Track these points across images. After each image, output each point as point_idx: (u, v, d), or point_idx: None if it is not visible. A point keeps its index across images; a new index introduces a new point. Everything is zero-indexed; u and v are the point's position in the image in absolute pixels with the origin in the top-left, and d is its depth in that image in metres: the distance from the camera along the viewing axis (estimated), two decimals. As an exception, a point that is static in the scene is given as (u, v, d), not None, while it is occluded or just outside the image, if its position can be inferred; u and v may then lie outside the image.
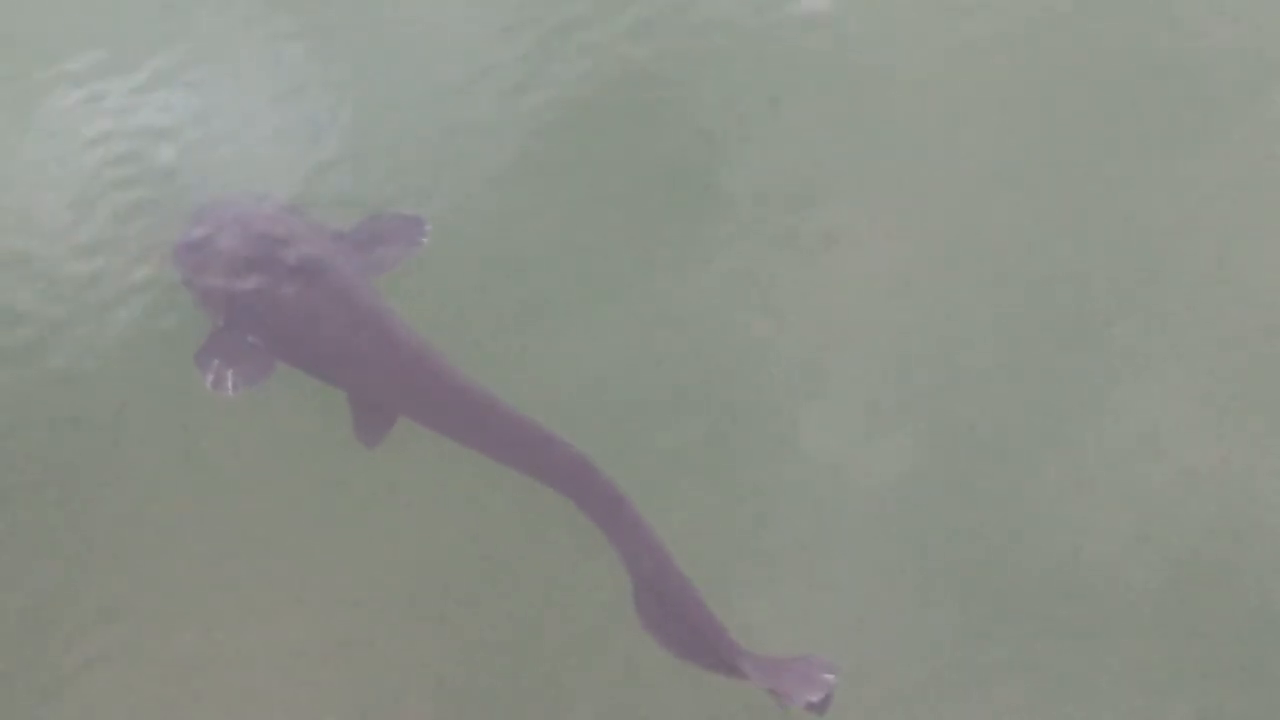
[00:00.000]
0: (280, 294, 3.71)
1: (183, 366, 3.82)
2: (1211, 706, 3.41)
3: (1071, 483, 3.68)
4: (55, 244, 4.07)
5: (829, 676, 3.20)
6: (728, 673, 3.29)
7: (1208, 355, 3.85)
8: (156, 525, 3.68)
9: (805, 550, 3.61)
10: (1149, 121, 4.23)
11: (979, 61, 4.36)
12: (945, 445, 3.73)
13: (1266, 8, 4.40)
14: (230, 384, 3.69)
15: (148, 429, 3.80)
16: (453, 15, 4.48)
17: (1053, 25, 4.42)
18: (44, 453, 3.78)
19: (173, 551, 3.65)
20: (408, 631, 3.55)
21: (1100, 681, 3.45)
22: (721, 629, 3.30)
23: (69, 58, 4.39)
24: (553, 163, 4.18)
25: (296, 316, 3.69)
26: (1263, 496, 3.64)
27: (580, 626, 3.55)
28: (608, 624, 3.53)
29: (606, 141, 4.22)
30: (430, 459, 3.72)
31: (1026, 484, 3.68)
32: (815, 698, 3.16)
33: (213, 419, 3.79)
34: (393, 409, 3.65)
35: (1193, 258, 3.99)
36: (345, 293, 3.70)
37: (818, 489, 3.68)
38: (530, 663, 3.51)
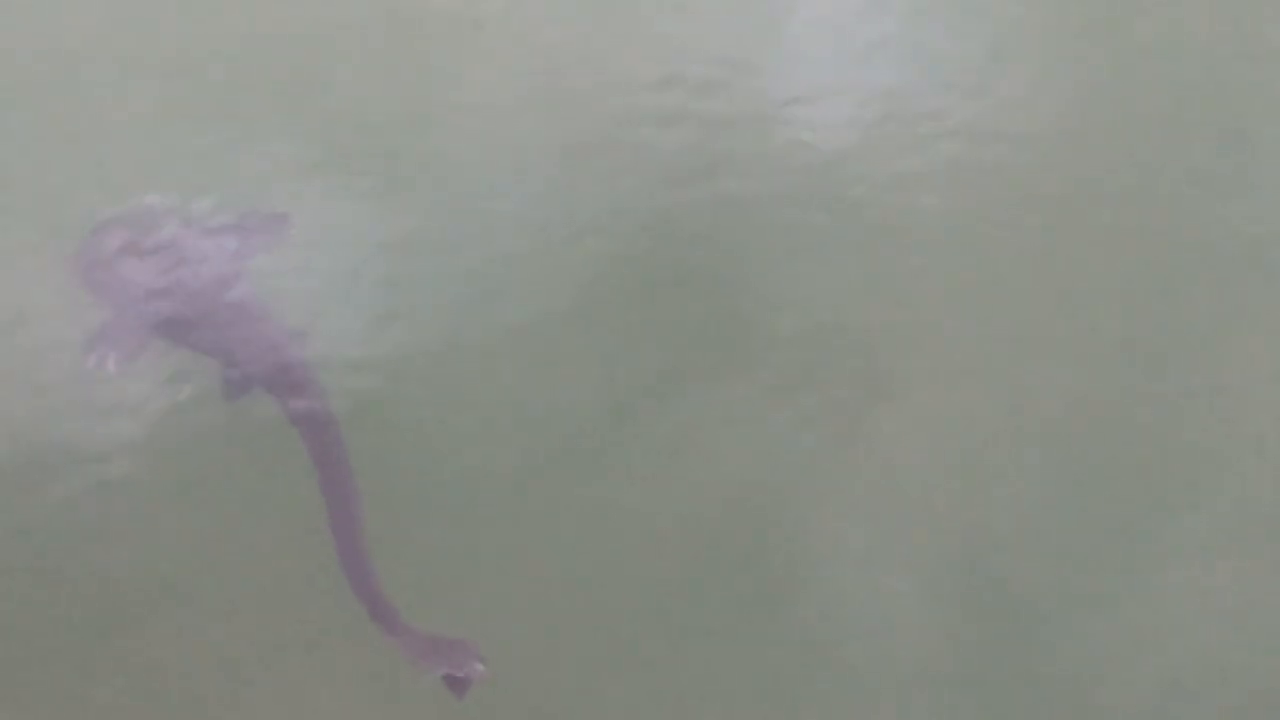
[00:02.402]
0: (159, 280, 4.15)
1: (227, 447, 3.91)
2: None
3: (1120, 650, 3.60)
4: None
5: (479, 665, 3.38)
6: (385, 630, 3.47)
7: (1261, 538, 3.77)
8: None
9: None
10: (1206, 293, 4.18)
11: (1016, 208, 4.33)
12: (994, 614, 3.67)
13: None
14: (112, 363, 4.03)
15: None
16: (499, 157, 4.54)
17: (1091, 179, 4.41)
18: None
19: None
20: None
21: None
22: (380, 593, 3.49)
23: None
24: (592, 311, 4.19)
25: (175, 300, 4.12)
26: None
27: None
28: None
29: (645, 294, 4.23)
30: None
31: (1071, 651, 3.59)
32: (460, 673, 3.35)
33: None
34: (252, 379, 3.98)
35: (1246, 437, 3.92)
36: (216, 277, 4.15)
37: (860, 654, 3.61)
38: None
